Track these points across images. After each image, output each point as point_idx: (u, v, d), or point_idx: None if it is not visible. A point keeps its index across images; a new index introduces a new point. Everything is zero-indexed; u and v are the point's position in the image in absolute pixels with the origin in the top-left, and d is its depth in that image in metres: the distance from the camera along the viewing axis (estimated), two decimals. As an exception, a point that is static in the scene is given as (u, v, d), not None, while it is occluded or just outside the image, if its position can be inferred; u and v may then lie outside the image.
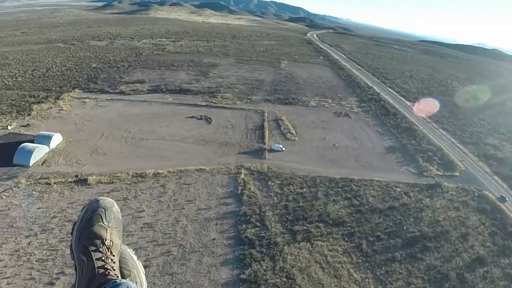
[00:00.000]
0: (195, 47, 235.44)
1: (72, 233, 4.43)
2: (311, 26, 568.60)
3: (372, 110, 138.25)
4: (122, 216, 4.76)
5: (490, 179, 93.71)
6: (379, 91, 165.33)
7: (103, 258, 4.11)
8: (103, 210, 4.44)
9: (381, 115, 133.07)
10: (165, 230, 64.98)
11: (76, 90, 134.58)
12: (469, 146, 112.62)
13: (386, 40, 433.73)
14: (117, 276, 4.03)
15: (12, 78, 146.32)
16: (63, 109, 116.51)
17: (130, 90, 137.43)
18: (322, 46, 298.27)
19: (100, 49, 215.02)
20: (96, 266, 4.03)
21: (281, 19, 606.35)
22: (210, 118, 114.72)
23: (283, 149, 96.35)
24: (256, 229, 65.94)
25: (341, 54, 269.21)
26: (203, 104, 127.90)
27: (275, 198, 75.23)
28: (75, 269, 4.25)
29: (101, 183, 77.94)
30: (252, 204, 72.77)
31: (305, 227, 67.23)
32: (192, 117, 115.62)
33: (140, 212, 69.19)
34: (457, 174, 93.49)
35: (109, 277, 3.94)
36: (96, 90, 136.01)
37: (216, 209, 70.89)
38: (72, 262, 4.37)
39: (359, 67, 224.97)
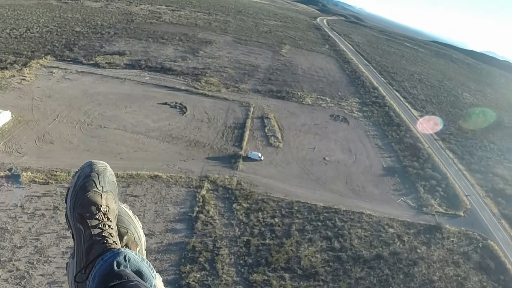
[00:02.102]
0: (194, 19, 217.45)
1: (66, 201, 4.22)
2: (323, 11, 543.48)
3: (374, 116, 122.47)
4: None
5: (497, 223, 79.13)
6: (384, 94, 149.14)
7: (100, 225, 3.94)
8: (96, 175, 4.10)
9: (384, 124, 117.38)
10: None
11: (48, 57, 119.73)
12: (476, 176, 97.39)
13: (398, 36, 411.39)
14: (116, 243, 3.89)
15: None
16: (25, 79, 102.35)
17: (106, 62, 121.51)
18: (330, 34, 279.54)
19: (92, 11, 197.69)
20: (93, 234, 3.88)
21: (293, 0, 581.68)
22: (185, 107, 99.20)
23: (262, 158, 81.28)
24: (203, 273, 51.54)
25: (349, 45, 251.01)
26: (183, 88, 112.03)
27: (237, 229, 60.48)
28: (73, 238, 4.08)
29: (35, 182, 64.02)
30: (206, 235, 58.17)
31: (265, 277, 52.76)
32: (166, 103, 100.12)
33: (67, 230, 54.08)
34: (461, 213, 78.78)
35: (107, 245, 3.79)
36: (69, 59, 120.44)
37: (159, 237, 56.35)
38: (69, 230, 4.19)
39: (366, 62, 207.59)
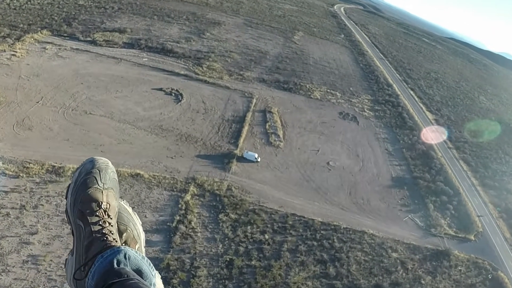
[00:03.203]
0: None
1: (66, 197, 4.15)
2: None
3: (387, 117, 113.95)
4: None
5: (509, 250, 71.38)
6: (398, 93, 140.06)
7: (100, 222, 3.90)
8: (98, 171, 4.05)
9: (396, 127, 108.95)
10: (50, 275, 44.30)
11: (44, 31, 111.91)
12: (490, 192, 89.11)
13: (416, 30, 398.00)
14: (116, 241, 3.84)
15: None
16: (16, 55, 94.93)
17: (104, 40, 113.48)
18: (346, 23, 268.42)
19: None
20: (93, 231, 3.84)
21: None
22: (181, 95, 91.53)
23: (258, 159, 73.68)
24: (174, 300, 44.41)
25: (365, 36, 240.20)
26: (182, 72, 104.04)
27: (220, 246, 53.27)
28: (72, 234, 4.06)
29: (5, 175, 57.35)
30: (185, 251, 51.14)
31: (246, 309, 45.54)
32: (161, 89, 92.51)
33: (32, 234, 48.97)
34: (472, 237, 70.91)
35: (107, 242, 3.75)
36: (65, 35, 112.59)
37: (129, 251, 48.85)
38: (69, 226, 4.11)
39: (382, 56, 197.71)
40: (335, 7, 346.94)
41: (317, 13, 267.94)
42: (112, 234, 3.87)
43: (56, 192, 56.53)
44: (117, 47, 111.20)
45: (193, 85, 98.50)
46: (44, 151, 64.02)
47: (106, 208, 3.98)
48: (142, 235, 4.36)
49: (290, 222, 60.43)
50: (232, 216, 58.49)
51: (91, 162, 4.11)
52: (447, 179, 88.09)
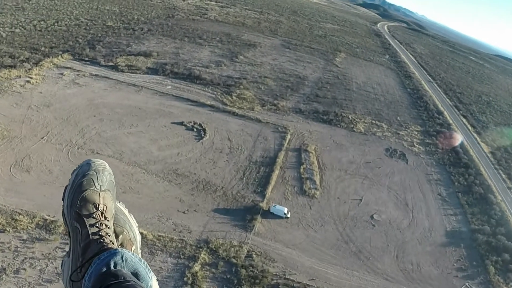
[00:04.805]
0: (242, 18, 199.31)
1: (63, 199, 4.18)
2: (384, 16, 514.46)
3: (439, 152, 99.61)
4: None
5: None
6: (450, 121, 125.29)
7: (97, 224, 3.92)
8: (95, 173, 4.09)
9: (449, 164, 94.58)
10: None
11: (65, 55, 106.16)
12: None
13: (462, 48, 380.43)
14: (113, 243, 3.87)
15: (10, 28, 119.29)
16: (31, 81, 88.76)
17: (126, 65, 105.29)
18: (391, 42, 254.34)
19: (133, 4, 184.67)
20: (90, 233, 3.85)
21: (354, 2, 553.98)
22: (204, 130, 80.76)
23: (288, 215, 61.47)
24: None
25: (410, 56, 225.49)
26: (208, 103, 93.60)
27: None
28: (69, 236, 4.06)
29: (-11, 229, 48.63)
30: None
31: None
32: (182, 123, 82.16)
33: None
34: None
35: (104, 244, 3.77)
36: (86, 59, 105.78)
37: None
38: (66, 228, 4.10)
39: (429, 78, 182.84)
40: (378, 25, 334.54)
41: (360, 32, 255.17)
42: (109, 236, 3.85)
43: (42, 254, 47.59)
44: (139, 73, 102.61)
45: (219, 118, 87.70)
46: (38, 199, 55.08)
47: (103, 210, 3.96)
48: (138, 237, 4.32)
49: (323, 305, 47.74)
50: (249, 296, 46.42)
51: (88, 164, 4.10)
52: (509, 231, 73.70)
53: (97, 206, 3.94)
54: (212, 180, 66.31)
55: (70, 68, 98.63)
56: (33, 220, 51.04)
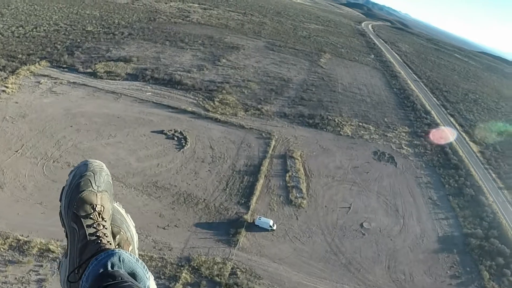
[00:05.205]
0: (225, 20, 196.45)
1: (60, 200, 4.14)
2: (368, 15, 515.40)
3: (428, 153, 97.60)
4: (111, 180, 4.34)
5: None
6: (438, 121, 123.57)
7: (95, 225, 3.91)
8: (92, 174, 4.05)
9: (439, 166, 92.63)
10: None
11: (43, 62, 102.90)
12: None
13: (447, 46, 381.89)
14: (110, 243, 3.86)
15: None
16: (6, 91, 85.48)
17: (105, 71, 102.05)
18: (375, 41, 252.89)
19: (114, 8, 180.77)
20: (87, 234, 3.85)
21: (337, 2, 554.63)
22: (185, 139, 77.74)
23: (274, 227, 58.77)
24: None
25: (396, 55, 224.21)
26: (189, 109, 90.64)
27: None
28: (66, 237, 4.05)
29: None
30: None
31: None
32: (162, 132, 79.07)
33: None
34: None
35: (101, 245, 3.76)
36: (64, 66, 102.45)
37: None
38: (63, 229, 4.11)
39: (415, 77, 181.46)
40: (362, 24, 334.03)
41: (344, 32, 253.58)
42: (106, 236, 3.84)
43: (16, 278, 45.23)
44: (119, 79, 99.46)
45: (201, 125, 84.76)
46: (11, 218, 52.10)
47: (101, 210, 3.95)
48: (136, 237, 4.31)
49: (313, 324, 45.14)
50: (234, 318, 43.65)
51: (86, 165, 4.07)
52: (501, 233, 72.23)
53: (95, 207, 3.91)
54: (194, 192, 63.38)
55: (47, 76, 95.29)
56: (5, 241, 48.05)
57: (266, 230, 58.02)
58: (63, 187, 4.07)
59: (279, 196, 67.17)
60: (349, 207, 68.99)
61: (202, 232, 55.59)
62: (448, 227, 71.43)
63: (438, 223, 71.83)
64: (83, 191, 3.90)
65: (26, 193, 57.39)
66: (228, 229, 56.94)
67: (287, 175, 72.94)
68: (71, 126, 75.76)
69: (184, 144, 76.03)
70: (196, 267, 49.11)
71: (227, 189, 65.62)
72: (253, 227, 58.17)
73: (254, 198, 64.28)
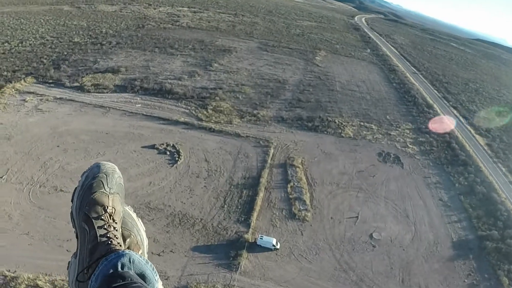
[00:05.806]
0: (216, 22, 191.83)
1: (72, 200, 4.19)
2: (360, 9, 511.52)
3: (434, 150, 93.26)
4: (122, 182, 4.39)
5: None
6: (442, 115, 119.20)
7: (105, 226, 3.91)
8: (105, 175, 4.13)
9: (447, 164, 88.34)
10: None
11: (29, 78, 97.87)
12: None
13: (442, 35, 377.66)
14: (120, 245, 3.85)
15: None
16: None
17: (92, 84, 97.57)
18: (370, 35, 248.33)
19: (102, 17, 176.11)
20: (98, 235, 3.85)
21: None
22: (178, 152, 73.36)
23: (277, 246, 54.47)
24: None
25: (392, 48, 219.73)
26: (181, 120, 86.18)
27: None
28: (77, 237, 4.04)
29: None
30: None
31: None
32: (153, 146, 74.65)
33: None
34: None
35: (111, 246, 3.76)
36: (51, 81, 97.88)
37: None
38: (74, 229, 4.09)
39: (414, 69, 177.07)
40: (355, 18, 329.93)
41: (338, 28, 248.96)
42: (117, 238, 3.83)
43: None
44: (107, 92, 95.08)
45: (194, 136, 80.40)
46: (-5, 251, 47.66)
47: (112, 212, 3.94)
48: (146, 241, 4.34)
49: None
50: None
51: (98, 167, 4.14)
52: (519, 232, 67.73)
53: (106, 208, 3.89)
54: (189, 211, 59.03)
55: (33, 93, 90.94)
56: (-12, 280, 44.08)
57: (269, 249, 53.77)
58: (75, 188, 4.09)
59: (281, 210, 62.79)
60: (357, 217, 64.67)
61: (200, 257, 51.28)
62: (462, 231, 67.20)
63: (452, 227, 67.60)
64: (95, 192, 3.90)
65: (12, 223, 53.31)
66: (228, 251, 52.63)
67: (289, 185, 68.60)
68: (58, 146, 71.45)
69: (177, 158, 71.65)
70: (195, 298, 44.87)
71: (225, 206, 61.28)
72: (255, 247, 53.85)
73: (255, 214, 59.91)
